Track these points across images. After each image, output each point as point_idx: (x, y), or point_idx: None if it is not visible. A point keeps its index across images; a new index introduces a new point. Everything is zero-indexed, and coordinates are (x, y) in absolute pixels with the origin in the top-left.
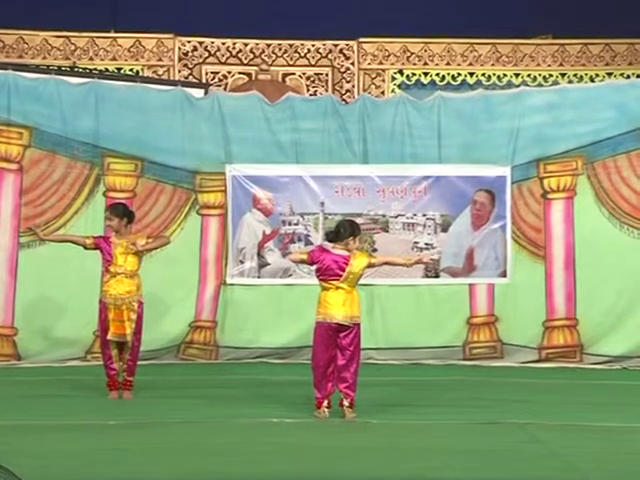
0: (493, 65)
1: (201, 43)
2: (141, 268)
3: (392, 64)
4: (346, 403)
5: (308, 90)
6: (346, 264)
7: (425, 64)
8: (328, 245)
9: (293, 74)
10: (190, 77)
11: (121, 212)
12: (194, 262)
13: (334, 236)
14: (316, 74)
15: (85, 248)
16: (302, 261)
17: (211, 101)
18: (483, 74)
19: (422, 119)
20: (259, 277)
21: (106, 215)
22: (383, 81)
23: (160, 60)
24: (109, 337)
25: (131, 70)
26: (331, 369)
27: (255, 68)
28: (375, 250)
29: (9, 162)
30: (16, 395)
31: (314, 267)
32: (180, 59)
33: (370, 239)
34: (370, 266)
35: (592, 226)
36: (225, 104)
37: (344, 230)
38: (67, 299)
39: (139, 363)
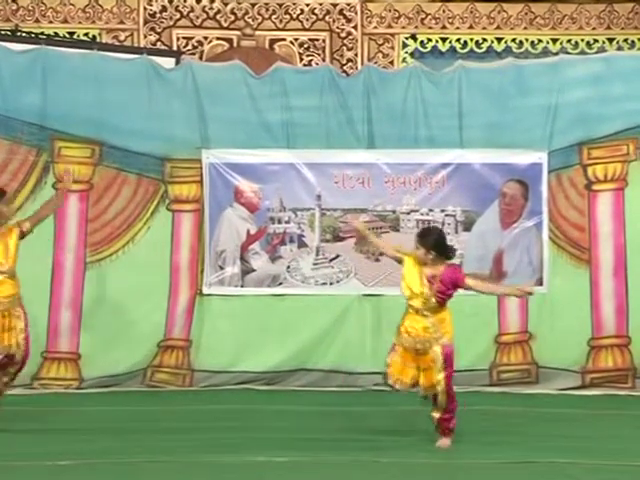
0: (525, 29)
1: (171, 2)
2: (99, 275)
3: (403, 28)
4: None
5: (301, 59)
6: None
7: (443, 28)
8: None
9: (283, 40)
10: (158, 44)
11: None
12: (163, 268)
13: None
14: (311, 40)
15: None
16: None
17: (184, 73)
18: (513, 40)
19: (440, 94)
20: (242, 286)
21: None
22: (392, 48)
23: (121, 23)
24: None
25: (86, 35)
26: None
27: (237, 33)
28: (382, 253)
29: None
30: None
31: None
32: (146, 22)
33: None
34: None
35: None
36: (201, 76)
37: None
38: None
39: (97, 391)
